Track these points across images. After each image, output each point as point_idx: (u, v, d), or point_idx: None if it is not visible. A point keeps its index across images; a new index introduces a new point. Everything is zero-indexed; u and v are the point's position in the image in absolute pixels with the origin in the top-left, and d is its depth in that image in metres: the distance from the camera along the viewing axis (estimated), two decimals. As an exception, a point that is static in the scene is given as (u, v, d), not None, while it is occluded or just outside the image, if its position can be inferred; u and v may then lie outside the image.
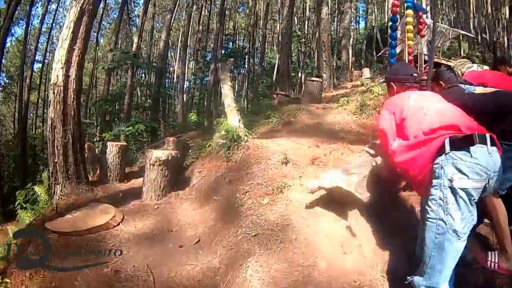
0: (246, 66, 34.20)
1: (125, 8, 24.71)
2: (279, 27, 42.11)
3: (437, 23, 16.67)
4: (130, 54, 16.85)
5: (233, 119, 6.42)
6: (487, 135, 2.62)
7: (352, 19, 19.03)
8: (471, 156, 2.52)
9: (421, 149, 2.76)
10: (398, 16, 12.46)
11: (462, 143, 2.56)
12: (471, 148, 2.53)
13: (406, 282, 2.80)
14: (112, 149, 6.72)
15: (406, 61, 12.17)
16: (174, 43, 39.07)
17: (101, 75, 28.80)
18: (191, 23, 27.81)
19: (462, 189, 2.49)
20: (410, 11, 12.46)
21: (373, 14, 46.16)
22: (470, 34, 24.12)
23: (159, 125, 17.68)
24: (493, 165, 2.58)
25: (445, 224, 2.54)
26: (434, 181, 2.62)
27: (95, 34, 33.25)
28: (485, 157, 2.55)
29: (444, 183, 2.54)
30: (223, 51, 24.77)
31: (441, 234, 2.55)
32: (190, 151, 8.15)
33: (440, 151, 2.61)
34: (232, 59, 13.65)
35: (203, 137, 11.41)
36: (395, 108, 3.12)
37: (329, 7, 17.07)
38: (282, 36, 18.19)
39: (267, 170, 5.13)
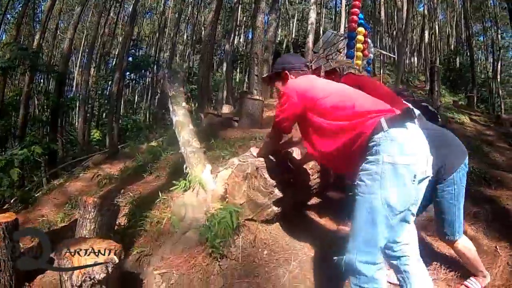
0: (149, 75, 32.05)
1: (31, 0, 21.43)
2: (186, 35, 40.99)
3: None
4: (30, 52, 13.91)
5: (202, 170, 4.10)
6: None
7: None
8: (410, 132, 2.41)
9: (363, 124, 2.48)
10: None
11: (400, 119, 2.42)
12: (410, 124, 2.43)
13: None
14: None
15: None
16: (76, 47, 35.18)
17: None
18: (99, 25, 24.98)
19: (403, 165, 2.31)
20: (361, 29, 11.60)
21: (280, 29, 46.28)
22: (392, 55, 24.18)
23: (57, 144, 14.95)
24: (426, 144, 2.48)
25: (380, 198, 2.33)
26: (370, 157, 2.40)
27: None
28: (421, 134, 2.49)
29: (383, 159, 2.33)
30: (129, 58, 22.28)
31: (374, 209, 2.34)
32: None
33: (376, 129, 2.39)
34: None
35: (112, 164, 9.11)
36: (303, 90, 2.87)
37: (264, 16, 15.29)
38: (204, 44, 16.35)
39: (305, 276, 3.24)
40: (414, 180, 2.34)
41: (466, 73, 29.80)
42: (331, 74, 4.21)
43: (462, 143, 3.51)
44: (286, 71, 3.25)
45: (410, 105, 3.06)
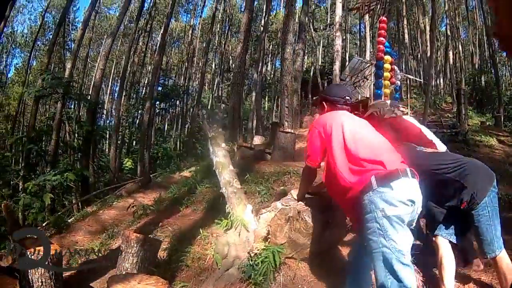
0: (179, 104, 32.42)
1: (62, 28, 22.02)
2: (214, 64, 41.51)
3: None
4: (64, 81, 14.32)
5: (244, 210, 4.29)
6: (407, 169, 2.84)
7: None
8: (395, 189, 2.70)
9: (357, 177, 2.84)
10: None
11: (387, 178, 2.73)
12: (395, 182, 2.72)
13: None
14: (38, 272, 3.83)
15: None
16: (106, 75, 35.88)
17: (29, 102, 25.58)
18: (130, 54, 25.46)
19: (394, 215, 2.67)
20: (388, 57, 11.61)
21: (306, 57, 46.44)
22: (418, 79, 24.02)
23: (89, 170, 15.15)
24: (415, 193, 2.82)
25: (390, 249, 2.67)
26: (367, 216, 2.76)
27: (28, 54, 30.19)
28: (407, 187, 2.77)
29: (377, 215, 2.70)
30: (159, 88, 22.67)
31: (389, 259, 2.66)
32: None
33: (367, 187, 2.74)
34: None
35: (145, 193, 9.39)
36: (325, 127, 3.16)
37: (293, 47, 15.41)
38: (234, 75, 16.62)
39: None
40: (404, 224, 2.75)
41: (492, 92, 29.42)
42: (369, 120, 4.36)
43: (487, 167, 3.74)
44: (323, 101, 3.53)
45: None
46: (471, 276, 4.16)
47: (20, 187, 14.71)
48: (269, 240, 3.88)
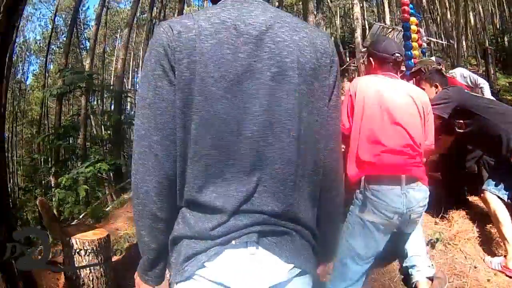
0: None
1: (74, 29, 22.13)
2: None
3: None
4: (85, 74, 14.20)
5: None
6: (403, 175, 2.62)
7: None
8: (380, 196, 2.59)
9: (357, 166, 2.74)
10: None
11: (375, 183, 2.63)
12: (381, 188, 2.60)
13: None
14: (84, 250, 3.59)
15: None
16: (125, 68, 36.11)
17: (52, 104, 25.74)
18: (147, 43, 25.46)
19: (369, 221, 2.64)
20: (414, 19, 11.33)
21: (325, 28, 45.92)
22: (442, 42, 23.55)
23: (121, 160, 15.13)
24: (408, 203, 2.63)
25: (350, 246, 2.70)
26: (351, 207, 2.75)
27: (44, 59, 30.36)
28: (395, 197, 2.60)
29: (355, 212, 2.70)
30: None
31: (345, 253, 2.70)
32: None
33: (361, 181, 2.66)
34: None
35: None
36: (356, 94, 2.81)
37: (313, 16, 15.26)
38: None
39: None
40: (380, 232, 2.75)
41: (516, 51, 28.84)
42: (416, 75, 4.34)
43: None
44: (370, 57, 3.08)
45: None
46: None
47: (52, 184, 14.77)
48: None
